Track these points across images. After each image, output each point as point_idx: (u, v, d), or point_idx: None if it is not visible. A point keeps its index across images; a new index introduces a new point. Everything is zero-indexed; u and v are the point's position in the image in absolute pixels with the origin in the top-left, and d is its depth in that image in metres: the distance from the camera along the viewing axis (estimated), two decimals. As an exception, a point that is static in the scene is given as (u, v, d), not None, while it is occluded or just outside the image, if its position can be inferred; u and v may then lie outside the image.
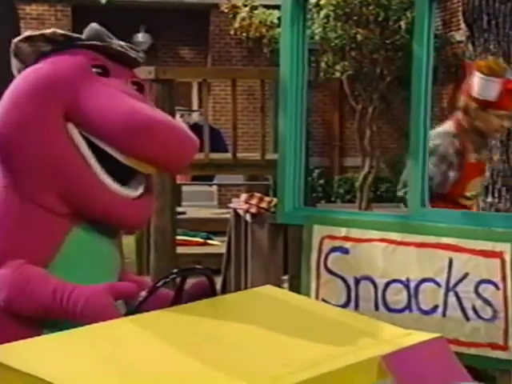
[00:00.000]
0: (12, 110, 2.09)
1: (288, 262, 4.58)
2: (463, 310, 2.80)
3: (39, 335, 1.85)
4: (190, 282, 2.10)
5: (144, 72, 5.25)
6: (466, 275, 2.79)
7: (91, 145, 2.09)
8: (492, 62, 3.75)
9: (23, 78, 2.14)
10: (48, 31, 2.19)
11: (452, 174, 3.60)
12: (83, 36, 2.20)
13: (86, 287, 2.00)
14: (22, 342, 1.65)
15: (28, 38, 2.18)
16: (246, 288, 4.13)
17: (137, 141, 2.02)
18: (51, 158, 2.05)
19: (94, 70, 2.14)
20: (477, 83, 3.52)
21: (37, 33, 2.20)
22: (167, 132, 2.06)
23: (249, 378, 1.54)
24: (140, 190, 2.15)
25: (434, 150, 3.45)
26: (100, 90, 2.09)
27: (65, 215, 2.08)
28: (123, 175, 2.12)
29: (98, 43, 2.17)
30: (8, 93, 2.13)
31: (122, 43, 2.22)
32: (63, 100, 2.07)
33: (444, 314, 2.83)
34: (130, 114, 2.03)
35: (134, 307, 1.95)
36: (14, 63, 2.24)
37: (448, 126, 3.73)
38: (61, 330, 1.77)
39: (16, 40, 2.20)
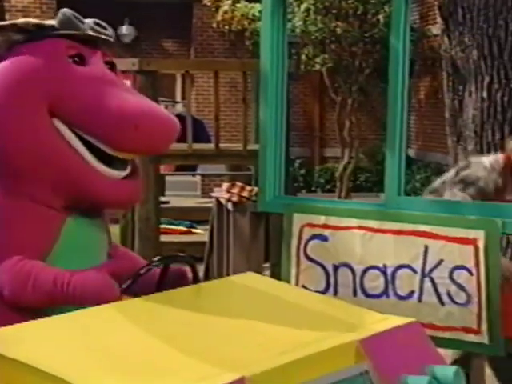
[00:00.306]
0: None
1: (269, 249, 4.59)
2: (438, 295, 2.82)
3: None
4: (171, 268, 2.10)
5: (128, 64, 5.23)
6: (440, 261, 2.81)
7: (76, 134, 2.08)
8: None
9: (1, 75, 2.08)
10: (20, 21, 2.13)
11: None
12: (56, 23, 2.14)
13: (84, 271, 2.02)
14: (8, 327, 1.65)
15: (0, 28, 2.12)
16: (228, 275, 4.13)
17: (126, 138, 2.04)
18: (39, 152, 2.04)
19: (70, 60, 2.11)
20: None
21: (8, 23, 2.15)
22: (155, 125, 2.06)
23: (229, 363, 1.55)
24: (127, 171, 2.15)
25: (475, 181, 3.25)
26: (82, 85, 2.07)
27: (59, 208, 2.08)
28: (108, 158, 2.11)
29: (72, 32, 2.12)
30: None
31: (92, 23, 2.16)
32: (46, 96, 2.05)
33: (420, 299, 2.85)
34: (118, 112, 2.02)
35: (121, 290, 1.96)
36: None
37: (496, 159, 3.38)
38: None
39: None
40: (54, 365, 1.48)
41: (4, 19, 7.16)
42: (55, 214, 2.08)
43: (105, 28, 2.18)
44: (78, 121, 2.06)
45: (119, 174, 2.12)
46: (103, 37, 2.17)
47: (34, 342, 1.60)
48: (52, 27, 2.14)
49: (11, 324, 1.92)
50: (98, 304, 1.86)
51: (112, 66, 2.21)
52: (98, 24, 2.17)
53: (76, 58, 2.11)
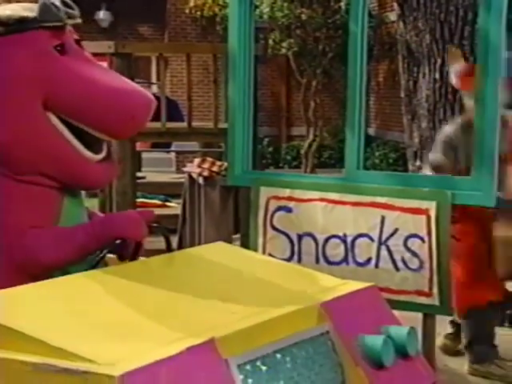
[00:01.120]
0: None
1: (239, 221, 4.59)
2: (394, 261, 2.85)
3: None
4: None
5: (104, 46, 5.14)
6: (396, 230, 2.84)
7: (64, 122, 2.07)
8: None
9: None
10: (2, 15, 2.05)
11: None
12: (36, 14, 2.05)
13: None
14: None
15: None
16: (200, 245, 4.13)
17: (123, 127, 2.08)
18: (35, 144, 2.04)
19: (55, 50, 2.05)
20: None
21: None
22: (145, 110, 2.08)
23: (199, 326, 1.55)
24: (104, 153, 2.16)
25: (445, 140, 3.37)
26: (72, 75, 2.04)
27: (57, 189, 2.10)
28: (89, 141, 2.12)
29: (56, 23, 2.05)
30: None
31: (62, 7, 2.06)
32: (39, 89, 2.02)
33: (377, 266, 2.87)
34: (115, 103, 2.03)
35: (95, 262, 1.95)
36: None
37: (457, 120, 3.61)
38: None
39: None
40: (33, 328, 1.48)
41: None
42: (55, 195, 2.10)
43: (73, 8, 2.12)
44: (71, 112, 2.05)
45: (98, 157, 2.14)
46: (78, 21, 2.12)
47: (17, 307, 1.60)
48: (34, 19, 2.05)
49: None
50: (128, 237, 1.97)
51: (79, 44, 2.17)
52: (67, 5, 2.09)
53: (59, 48, 2.07)
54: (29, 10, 2.07)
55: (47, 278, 1.87)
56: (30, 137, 2.03)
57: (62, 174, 2.08)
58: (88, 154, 2.10)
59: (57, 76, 2.03)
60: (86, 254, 2.02)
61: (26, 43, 2.03)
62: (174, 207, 6.68)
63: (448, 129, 3.53)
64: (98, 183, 2.22)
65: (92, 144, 2.12)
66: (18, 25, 2.04)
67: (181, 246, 4.98)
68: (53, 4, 2.05)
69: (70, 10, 2.09)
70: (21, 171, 2.05)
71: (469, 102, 3.33)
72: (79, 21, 2.13)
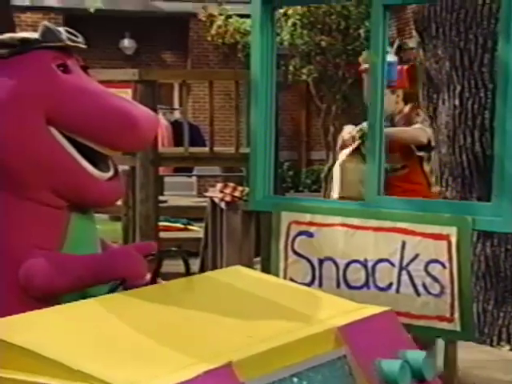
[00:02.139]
0: None
1: (260, 245, 4.58)
2: (414, 286, 2.82)
3: None
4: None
5: (129, 74, 5.21)
6: (417, 256, 2.81)
7: (68, 139, 2.07)
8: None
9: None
10: (5, 36, 2.08)
11: None
12: (39, 36, 2.08)
13: (116, 248, 2.05)
14: (15, 316, 1.64)
15: None
16: (221, 268, 4.12)
17: (127, 139, 2.05)
18: (40, 162, 2.03)
19: (58, 70, 2.07)
20: None
21: None
22: (148, 124, 2.08)
23: (217, 350, 1.54)
24: (111, 172, 2.15)
25: None
26: (74, 92, 2.05)
27: (62, 207, 2.08)
28: (95, 161, 2.11)
29: (58, 44, 2.08)
30: None
31: (65, 32, 2.12)
32: (42, 107, 2.02)
33: (398, 291, 2.84)
34: (117, 115, 2.02)
35: (116, 285, 1.95)
36: None
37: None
38: None
39: None
40: (54, 351, 1.48)
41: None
42: (61, 213, 2.07)
43: (77, 36, 2.16)
44: (73, 126, 2.04)
45: (106, 175, 2.13)
46: (80, 45, 2.14)
47: (38, 330, 1.59)
48: (36, 40, 2.09)
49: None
50: (128, 277, 1.91)
51: (86, 71, 2.19)
52: (70, 33, 2.14)
53: (62, 68, 2.09)
54: (29, 34, 2.12)
55: (51, 300, 1.87)
56: (34, 151, 2.02)
57: (66, 188, 2.05)
58: (94, 171, 2.08)
59: (59, 92, 2.03)
60: (82, 287, 1.99)
61: (29, 62, 2.06)
62: (196, 231, 6.70)
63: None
64: (104, 200, 2.17)
65: (98, 162, 2.12)
66: (20, 46, 2.07)
67: (203, 270, 4.98)
68: (55, 28, 2.09)
69: (72, 36, 2.12)
70: (26, 188, 2.03)
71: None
72: (82, 45, 2.15)
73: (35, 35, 2.09)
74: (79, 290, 1.99)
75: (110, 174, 2.14)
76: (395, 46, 4.32)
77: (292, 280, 2.93)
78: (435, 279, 2.77)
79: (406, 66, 3.45)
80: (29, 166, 2.02)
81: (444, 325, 2.77)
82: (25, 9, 10.89)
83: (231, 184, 4.71)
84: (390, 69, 3.25)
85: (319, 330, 1.71)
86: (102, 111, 2.03)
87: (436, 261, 2.77)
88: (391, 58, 3.35)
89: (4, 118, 2.02)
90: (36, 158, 2.02)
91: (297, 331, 1.68)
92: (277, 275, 2.97)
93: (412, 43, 8.75)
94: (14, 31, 7.12)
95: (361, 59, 3.68)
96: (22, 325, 1.61)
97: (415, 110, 3.39)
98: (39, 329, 1.61)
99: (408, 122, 3.32)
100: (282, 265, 3.10)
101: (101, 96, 2.06)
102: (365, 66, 3.58)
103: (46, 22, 2.12)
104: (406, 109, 3.43)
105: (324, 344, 1.69)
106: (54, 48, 2.09)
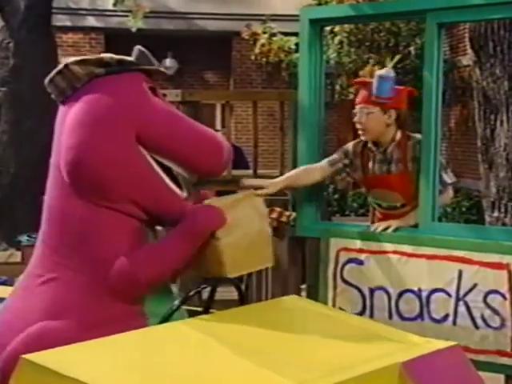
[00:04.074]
0: (94, 146, 2.14)
1: (305, 272, 4.54)
2: (472, 318, 2.76)
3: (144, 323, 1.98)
4: None
5: (171, 95, 5.26)
6: (474, 286, 2.75)
7: (154, 160, 2.23)
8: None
9: (91, 112, 2.15)
10: (106, 56, 2.21)
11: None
12: (133, 58, 2.24)
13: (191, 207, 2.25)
14: (64, 347, 1.66)
15: (81, 61, 2.20)
16: (266, 297, 4.10)
17: (209, 163, 2.26)
18: (133, 179, 2.18)
19: (149, 91, 2.22)
20: None
21: (92, 57, 2.22)
22: (228, 152, 2.29)
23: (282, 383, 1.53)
24: (185, 194, 2.32)
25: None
26: (165, 115, 2.21)
27: (144, 222, 2.24)
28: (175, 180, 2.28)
29: (152, 67, 2.23)
30: (80, 127, 2.15)
31: (140, 54, 2.27)
32: (136, 127, 2.16)
33: (454, 323, 2.79)
34: (210, 142, 2.25)
35: (169, 312, 1.96)
36: (58, 82, 2.22)
37: None
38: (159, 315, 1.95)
39: (68, 62, 2.21)
40: (108, 382, 1.49)
41: (56, 54, 7.30)
42: (143, 228, 2.25)
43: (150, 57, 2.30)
44: (161, 147, 2.19)
45: (183, 194, 2.30)
46: (165, 71, 2.34)
47: (91, 361, 1.61)
48: (130, 62, 2.24)
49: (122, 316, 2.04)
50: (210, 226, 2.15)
51: (155, 92, 2.33)
52: (145, 54, 2.26)
53: (151, 90, 2.24)
54: (123, 56, 2.28)
55: (141, 300, 1.99)
56: (123, 164, 2.15)
57: (150, 202, 2.20)
58: (177, 190, 2.25)
59: (150, 113, 2.18)
60: (184, 259, 2.14)
61: (124, 82, 2.20)
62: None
63: None
64: (180, 217, 2.29)
65: (176, 183, 2.28)
66: (116, 66, 2.20)
67: (246, 297, 4.96)
68: (146, 52, 2.25)
69: (145, 58, 2.27)
70: (112, 199, 2.15)
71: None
72: (165, 71, 2.35)
73: (129, 58, 2.24)
74: (183, 266, 2.14)
75: (185, 194, 2.30)
76: (395, 60, 4.18)
77: (341, 309, 2.90)
78: (495, 311, 2.71)
79: (408, 88, 3.28)
80: (120, 179, 2.15)
81: (505, 360, 2.70)
82: (66, 29, 11.15)
83: (278, 209, 4.69)
84: (382, 83, 3.04)
85: (382, 365, 1.69)
86: (195, 137, 2.20)
87: (495, 291, 2.71)
88: (386, 72, 3.09)
89: (100, 132, 2.13)
90: (124, 167, 2.15)
91: (359, 366, 1.67)
92: (325, 304, 2.95)
93: (466, 61, 8.67)
94: (55, 52, 7.33)
95: (361, 72, 3.59)
96: (75, 356, 1.63)
97: (405, 136, 3.16)
98: (93, 359, 1.64)
99: (403, 152, 3.13)
100: (330, 293, 3.07)
101: (189, 121, 2.24)
102: (364, 78, 3.45)
103: (139, 46, 2.24)
104: (398, 135, 3.13)
105: (387, 381, 1.67)
106: (142, 71, 2.24)
